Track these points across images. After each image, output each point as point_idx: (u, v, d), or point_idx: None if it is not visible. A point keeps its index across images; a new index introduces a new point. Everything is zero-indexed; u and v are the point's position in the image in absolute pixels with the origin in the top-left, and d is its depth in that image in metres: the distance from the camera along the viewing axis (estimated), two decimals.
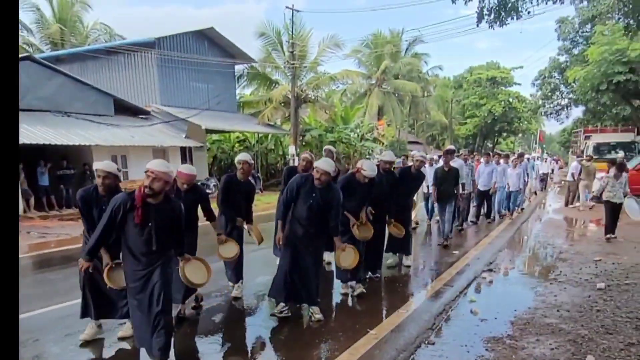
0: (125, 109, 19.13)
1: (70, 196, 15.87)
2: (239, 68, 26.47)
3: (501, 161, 12.93)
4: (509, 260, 8.45)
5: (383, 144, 30.85)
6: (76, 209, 15.19)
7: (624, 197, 9.61)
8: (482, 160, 13.32)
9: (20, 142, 12.95)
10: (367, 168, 5.74)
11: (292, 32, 24.05)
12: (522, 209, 14.63)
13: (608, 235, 9.77)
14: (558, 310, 5.52)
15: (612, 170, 9.82)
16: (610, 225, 9.84)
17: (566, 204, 15.82)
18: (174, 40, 21.31)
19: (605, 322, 5.10)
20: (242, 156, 5.96)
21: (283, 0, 30.79)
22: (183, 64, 21.49)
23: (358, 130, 27.99)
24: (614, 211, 9.74)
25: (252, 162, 6.19)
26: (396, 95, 37.47)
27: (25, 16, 26.73)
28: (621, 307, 5.58)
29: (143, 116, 19.88)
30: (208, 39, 22.76)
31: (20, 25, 25.39)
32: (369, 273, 6.84)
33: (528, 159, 17.13)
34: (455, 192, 9.30)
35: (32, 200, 14.82)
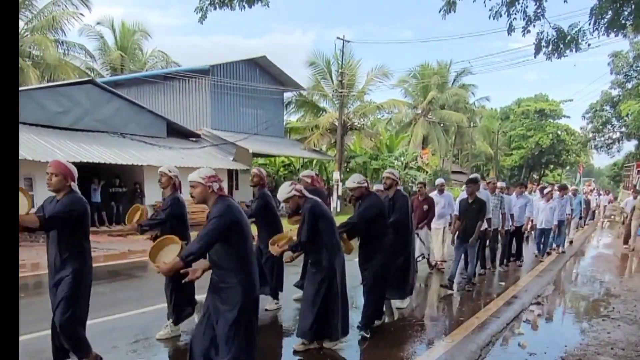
0: (177, 132, 19.88)
1: (120, 213, 16.56)
2: (287, 95, 27.18)
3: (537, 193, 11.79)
4: (558, 294, 8.27)
5: (427, 172, 30.72)
6: (125, 225, 15.76)
7: None
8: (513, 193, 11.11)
9: (77, 160, 13.61)
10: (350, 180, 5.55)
11: (342, 61, 24.56)
12: (560, 251, 12.59)
13: None
14: (612, 348, 5.36)
15: None
16: None
17: (624, 243, 14.30)
18: (226, 67, 22.15)
19: None
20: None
21: (329, 31, 31.90)
22: (234, 90, 22.25)
23: (402, 159, 28.06)
24: None
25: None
26: (441, 125, 37.36)
27: (89, 43, 28.41)
28: None
29: (193, 139, 20.58)
30: (260, 66, 23.54)
31: (84, 52, 26.94)
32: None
33: (575, 193, 15.53)
34: (480, 228, 8.16)
35: None
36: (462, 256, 8.26)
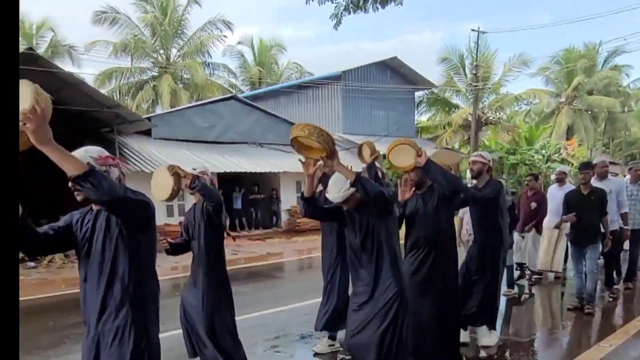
0: None
1: (259, 218, 17.97)
2: (418, 95, 27.06)
3: None
4: None
5: (573, 165, 28.37)
6: (264, 230, 17.15)
7: None
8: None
9: (220, 170, 14.69)
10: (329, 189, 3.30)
11: (477, 54, 23.80)
12: None
13: None
14: None
15: None
16: None
17: None
18: (358, 72, 22.64)
19: None
20: None
21: (459, 26, 30.82)
22: (365, 94, 22.64)
23: (543, 152, 26.22)
24: None
25: None
26: (589, 112, 34.22)
27: (231, 62, 30.88)
28: None
29: None
30: (390, 68, 23.72)
31: (226, 71, 29.39)
32: None
33: None
34: (602, 228, 6.18)
35: (227, 222, 16.77)
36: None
